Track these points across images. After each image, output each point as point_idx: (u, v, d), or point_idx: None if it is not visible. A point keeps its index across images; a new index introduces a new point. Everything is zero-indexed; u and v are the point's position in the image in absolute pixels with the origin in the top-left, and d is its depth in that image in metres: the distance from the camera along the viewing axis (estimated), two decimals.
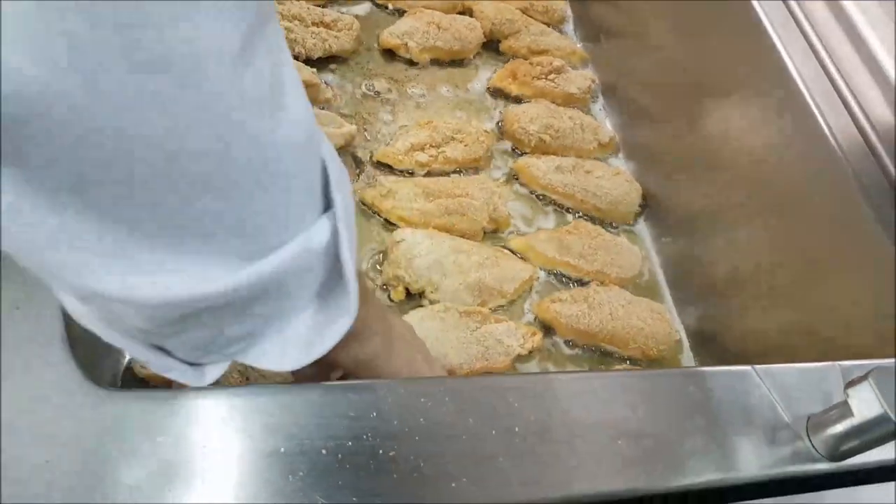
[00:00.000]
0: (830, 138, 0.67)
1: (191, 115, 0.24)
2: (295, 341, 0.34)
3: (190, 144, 0.24)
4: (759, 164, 0.76)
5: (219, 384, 0.34)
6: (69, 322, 0.34)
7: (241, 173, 0.27)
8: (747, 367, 0.45)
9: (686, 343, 0.82)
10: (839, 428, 0.43)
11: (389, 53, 0.93)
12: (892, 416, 0.39)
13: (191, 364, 0.33)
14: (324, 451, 0.33)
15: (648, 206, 0.90)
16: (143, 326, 0.30)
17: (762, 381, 0.45)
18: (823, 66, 0.74)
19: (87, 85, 0.21)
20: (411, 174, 0.83)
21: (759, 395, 0.45)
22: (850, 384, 0.42)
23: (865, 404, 0.41)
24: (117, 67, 0.21)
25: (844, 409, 0.42)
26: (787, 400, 0.45)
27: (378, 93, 0.89)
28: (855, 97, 0.72)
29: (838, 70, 0.74)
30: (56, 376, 0.32)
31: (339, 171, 0.34)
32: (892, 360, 0.48)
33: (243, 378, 0.52)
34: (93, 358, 0.38)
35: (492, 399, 0.37)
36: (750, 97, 0.78)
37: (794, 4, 0.80)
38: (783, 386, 0.46)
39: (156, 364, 0.32)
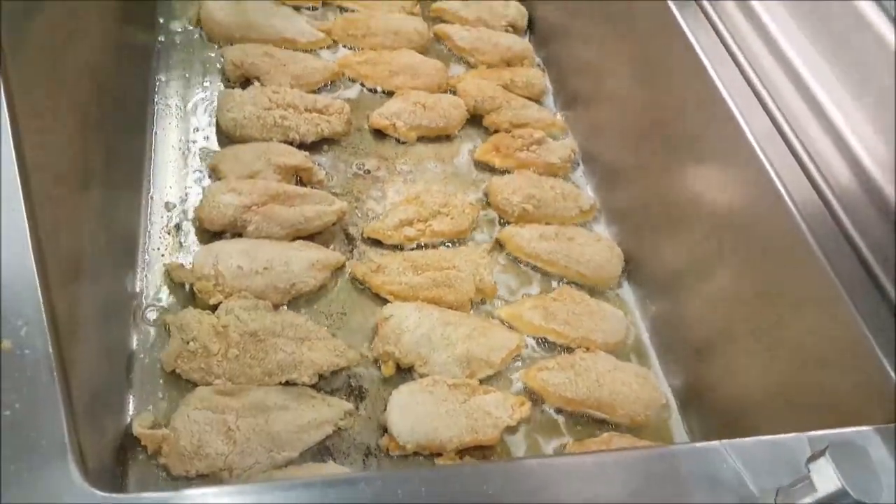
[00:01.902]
0: (786, 197, 0.71)
1: None
2: None
3: None
4: (727, 223, 0.79)
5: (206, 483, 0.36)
6: (71, 427, 0.37)
7: None
8: (716, 443, 0.48)
9: (674, 405, 0.83)
10: (805, 501, 0.44)
11: (379, 133, 0.97)
12: (850, 491, 0.41)
13: None
14: None
15: (631, 269, 0.93)
16: None
17: (730, 456, 0.47)
18: (777, 126, 0.78)
19: None
20: (401, 248, 0.86)
21: (728, 469, 0.47)
22: (811, 459, 0.44)
23: (826, 479, 0.42)
24: None
25: (808, 484, 0.44)
26: (755, 473, 0.47)
27: (368, 171, 0.93)
28: (813, 161, 0.76)
29: (794, 131, 0.78)
30: (57, 485, 0.34)
31: None
32: (852, 430, 0.50)
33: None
34: (97, 461, 0.41)
35: (467, 486, 0.40)
36: (715, 159, 0.82)
37: (750, 72, 0.85)
38: (752, 460, 0.48)
39: None
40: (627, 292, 0.92)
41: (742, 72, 0.85)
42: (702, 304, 0.83)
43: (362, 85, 1.02)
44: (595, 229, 0.98)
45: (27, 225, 0.52)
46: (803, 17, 0.86)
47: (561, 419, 0.77)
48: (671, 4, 0.91)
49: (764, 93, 0.83)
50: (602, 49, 1.06)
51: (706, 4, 0.92)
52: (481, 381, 0.76)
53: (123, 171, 0.83)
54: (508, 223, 0.94)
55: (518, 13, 1.18)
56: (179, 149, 0.87)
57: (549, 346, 0.83)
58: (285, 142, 0.89)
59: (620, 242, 0.94)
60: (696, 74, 0.85)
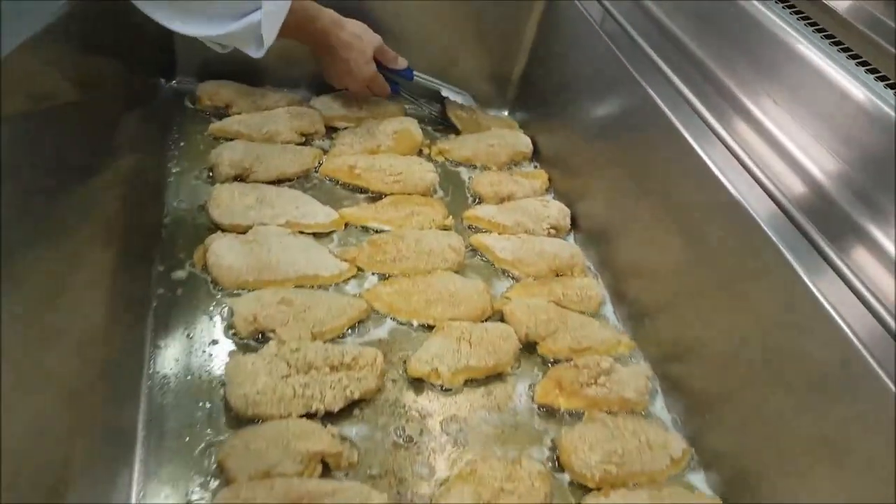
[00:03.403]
0: None
1: None
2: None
3: None
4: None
5: None
6: None
7: None
8: None
9: None
10: None
11: (418, 381, 0.82)
12: None
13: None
14: None
15: None
16: None
17: None
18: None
19: None
20: None
21: None
22: None
23: None
24: None
25: None
26: None
27: (410, 438, 0.76)
28: None
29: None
30: None
31: None
32: None
33: None
34: None
35: None
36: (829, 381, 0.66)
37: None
38: None
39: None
40: None
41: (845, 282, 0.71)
42: None
43: (394, 319, 0.88)
44: (692, 481, 0.78)
45: None
46: None
47: None
48: (728, 185, 0.79)
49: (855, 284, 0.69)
50: (663, 245, 0.92)
51: (776, 193, 0.80)
52: None
53: (108, 475, 0.66)
54: (588, 488, 0.75)
55: (560, 213, 1.06)
56: (179, 436, 0.71)
57: None
58: (308, 415, 0.73)
59: (727, 499, 0.75)
60: (784, 280, 0.71)
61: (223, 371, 0.75)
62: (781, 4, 0.96)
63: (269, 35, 0.84)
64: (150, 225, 0.89)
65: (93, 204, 0.79)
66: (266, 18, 0.82)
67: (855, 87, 0.80)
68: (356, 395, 0.75)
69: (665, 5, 1.08)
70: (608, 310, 0.98)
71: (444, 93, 1.18)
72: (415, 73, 1.13)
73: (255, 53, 0.86)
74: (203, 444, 0.71)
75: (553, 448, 0.79)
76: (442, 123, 1.21)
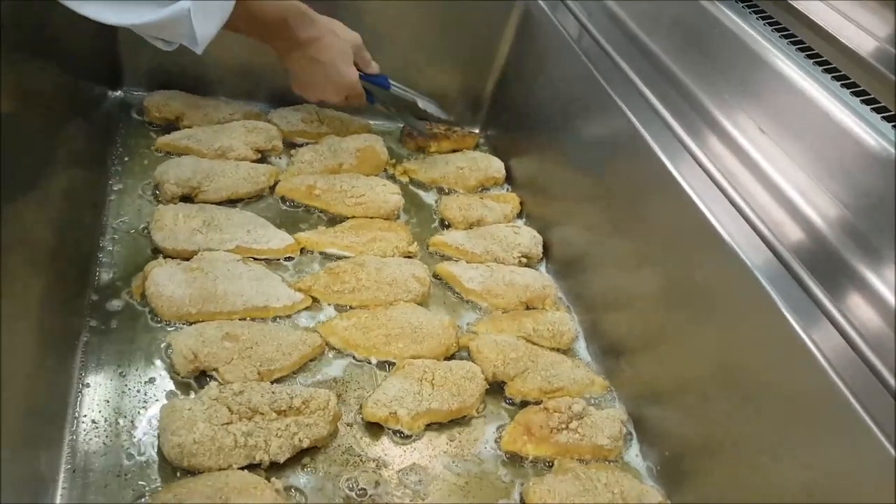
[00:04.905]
0: None
1: None
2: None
3: None
4: None
5: None
6: None
7: None
8: None
9: None
10: None
11: (375, 425, 0.75)
12: None
13: None
14: None
15: None
16: None
17: None
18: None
19: None
20: None
21: None
22: None
23: None
24: None
25: None
26: None
27: (364, 491, 0.69)
28: None
29: None
30: None
31: None
32: None
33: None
34: None
35: None
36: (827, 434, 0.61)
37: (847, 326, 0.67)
38: None
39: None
40: None
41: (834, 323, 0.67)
42: None
43: (351, 356, 0.81)
44: None
45: None
46: None
47: None
48: (711, 218, 0.75)
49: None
50: (641, 278, 0.87)
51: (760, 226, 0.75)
52: None
53: None
54: None
55: (532, 240, 1.01)
56: (105, 487, 0.63)
57: None
58: (251, 465, 0.66)
59: None
60: (769, 319, 0.67)
61: (157, 415, 0.68)
62: (767, 24, 0.92)
63: (204, 27, 0.69)
64: (85, 248, 0.81)
65: (19, 222, 0.71)
66: (199, 6, 0.68)
67: (847, 115, 0.75)
68: (305, 444, 0.69)
69: (645, 23, 1.04)
70: (581, 345, 0.93)
71: (421, 104, 1.07)
72: (390, 81, 1.01)
73: (195, 47, 0.71)
74: (131, 498, 0.64)
75: (521, 502, 0.73)
76: (422, 134, 1.14)
